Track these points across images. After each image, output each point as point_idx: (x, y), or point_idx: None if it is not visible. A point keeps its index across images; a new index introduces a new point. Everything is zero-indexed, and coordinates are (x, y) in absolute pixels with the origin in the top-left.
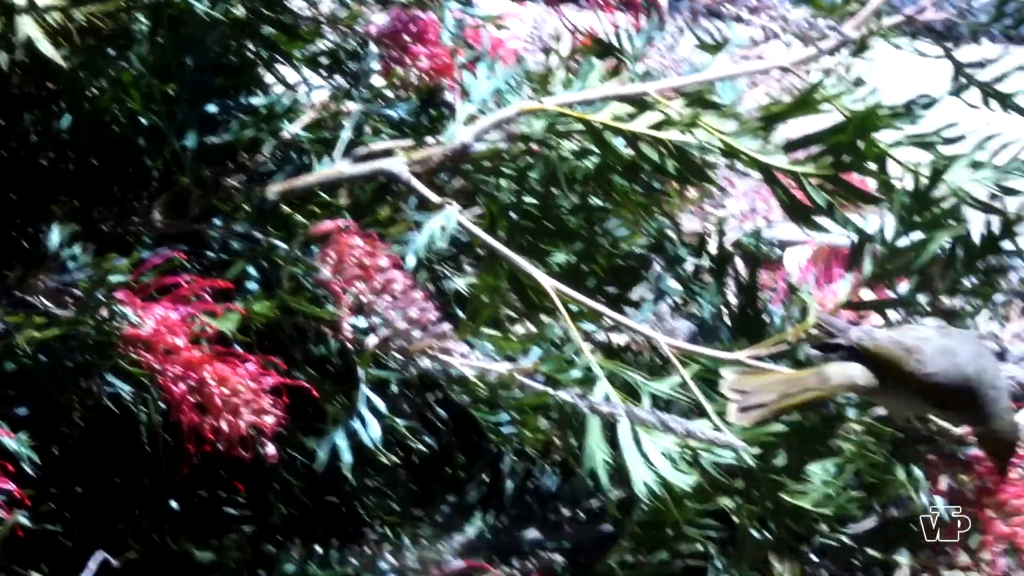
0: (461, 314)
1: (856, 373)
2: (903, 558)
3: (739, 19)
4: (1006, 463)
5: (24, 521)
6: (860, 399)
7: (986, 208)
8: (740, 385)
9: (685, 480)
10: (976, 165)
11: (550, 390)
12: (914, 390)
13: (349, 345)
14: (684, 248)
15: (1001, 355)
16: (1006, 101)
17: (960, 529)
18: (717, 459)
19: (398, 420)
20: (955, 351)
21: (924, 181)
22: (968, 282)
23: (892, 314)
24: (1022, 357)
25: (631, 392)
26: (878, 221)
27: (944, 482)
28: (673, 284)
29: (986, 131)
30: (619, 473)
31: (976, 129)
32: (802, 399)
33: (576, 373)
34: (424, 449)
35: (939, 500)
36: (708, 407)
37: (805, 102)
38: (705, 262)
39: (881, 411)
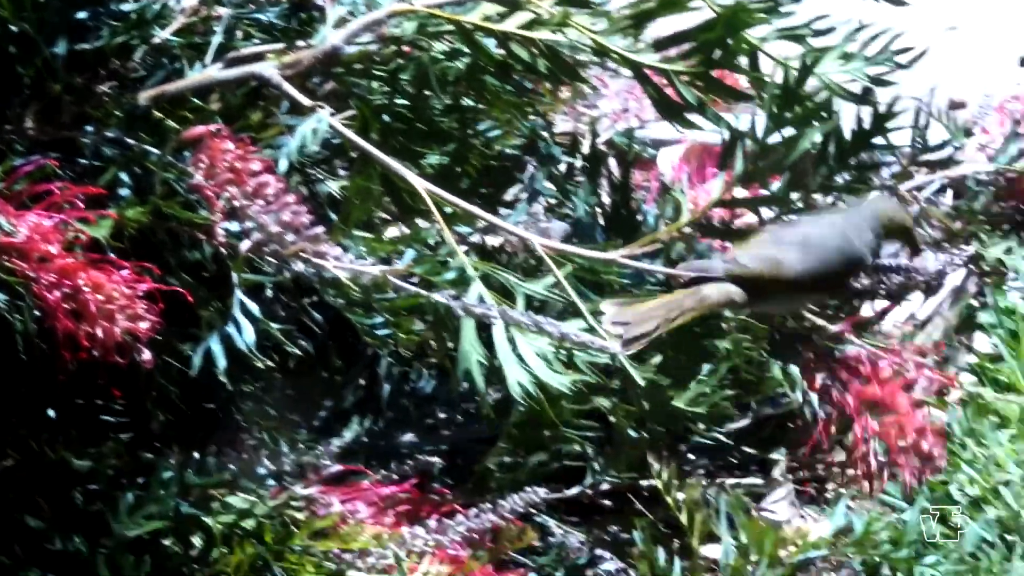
0: (334, 217)
1: (733, 291)
2: (779, 456)
3: None
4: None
5: None
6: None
7: (858, 100)
8: (620, 317)
9: (561, 381)
10: (847, 57)
11: (424, 292)
12: (788, 293)
13: (223, 250)
14: (557, 148)
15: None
16: None
17: (835, 427)
18: (593, 359)
19: (273, 324)
20: (815, 240)
21: (794, 75)
22: (841, 179)
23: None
24: (894, 253)
25: (506, 293)
26: (750, 119)
27: (820, 380)
28: (546, 185)
29: (857, 22)
30: (495, 374)
31: (847, 20)
32: (682, 320)
33: (450, 275)
34: (300, 353)
35: (814, 397)
36: (583, 307)
37: (675, 0)
38: (578, 162)
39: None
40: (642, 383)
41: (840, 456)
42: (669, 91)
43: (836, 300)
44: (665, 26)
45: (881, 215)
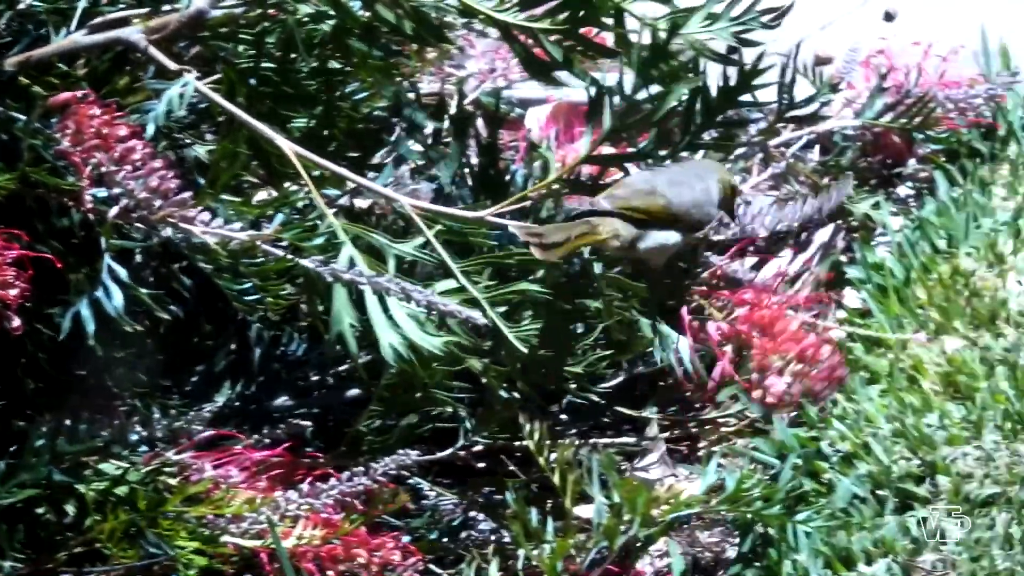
0: (202, 182)
1: (617, 223)
2: (652, 415)
3: None
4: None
5: None
6: (614, 254)
7: (724, 60)
8: (531, 230)
9: (432, 342)
10: (713, 17)
11: (293, 257)
12: (663, 223)
13: (91, 216)
14: (424, 110)
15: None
16: None
17: (731, 357)
18: (465, 320)
19: (142, 290)
20: (682, 179)
21: (661, 35)
22: (708, 136)
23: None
24: (762, 210)
25: (377, 255)
26: (617, 76)
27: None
28: (414, 147)
29: None
30: (367, 337)
31: None
32: (578, 243)
33: (319, 239)
34: (169, 319)
35: (685, 351)
36: (453, 266)
37: None
38: (446, 124)
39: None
40: (521, 347)
41: (713, 413)
42: (536, 50)
43: (699, 241)
44: None
45: (722, 177)
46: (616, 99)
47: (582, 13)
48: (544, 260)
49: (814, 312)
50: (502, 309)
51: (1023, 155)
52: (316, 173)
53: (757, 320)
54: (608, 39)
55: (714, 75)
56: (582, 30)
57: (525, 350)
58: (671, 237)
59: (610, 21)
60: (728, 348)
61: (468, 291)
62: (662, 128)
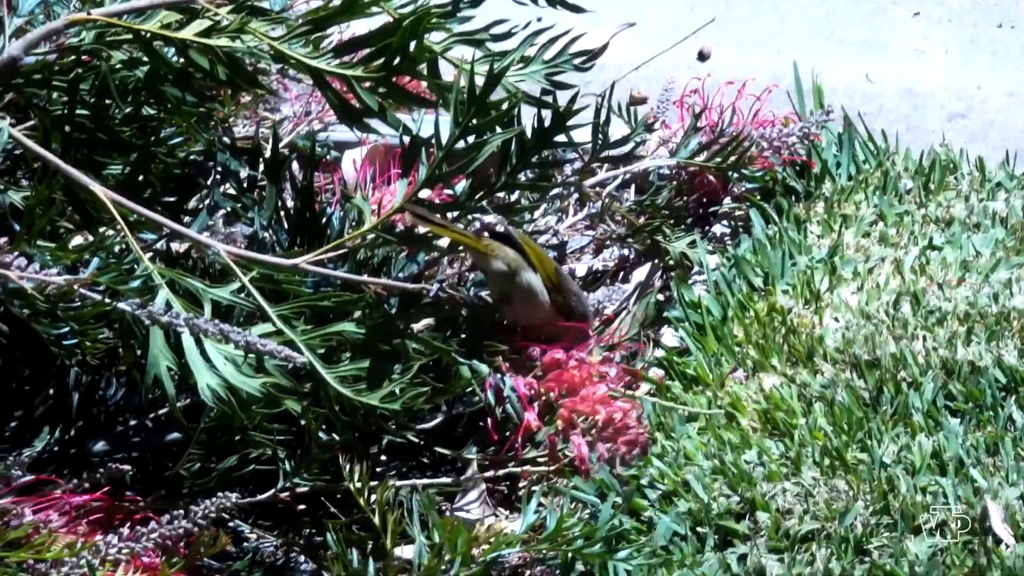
0: (18, 227)
1: (512, 252)
2: (472, 455)
3: None
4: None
5: None
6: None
7: (538, 103)
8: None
9: (251, 384)
10: (526, 60)
11: (110, 301)
12: (541, 277)
13: None
14: (239, 155)
15: (561, 246)
16: None
17: (537, 414)
18: (282, 363)
19: None
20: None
21: (477, 81)
22: (524, 176)
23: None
24: (580, 247)
25: (193, 299)
26: (433, 124)
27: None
28: (229, 191)
29: (536, 26)
30: (185, 381)
31: (526, 23)
32: (461, 238)
33: (136, 283)
34: None
35: (511, 391)
36: (269, 310)
37: (352, 5)
38: (260, 168)
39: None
40: (339, 387)
41: (532, 453)
42: (349, 96)
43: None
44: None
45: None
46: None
47: (397, 61)
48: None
49: (623, 372)
50: (320, 351)
51: (838, 193)
52: (132, 218)
53: (566, 380)
54: (423, 85)
55: (529, 115)
56: (396, 78)
57: (343, 390)
58: (544, 295)
59: (423, 69)
60: (535, 405)
61: (285, 334)
62: (478, 175)
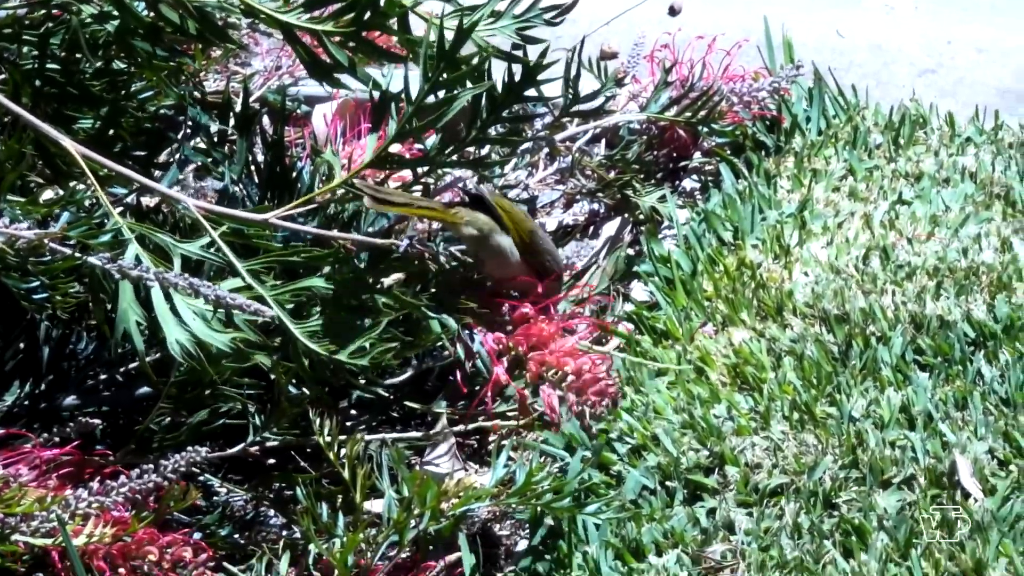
0: None
1: (483, 216)
2: (441, 409)
3: None
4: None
5: None
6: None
7: (508, 57)
8: (375, 186)
9: (220, 339)
10: (496, 15)
11: (80, 255)
12: (519, 246)
13: None
14: (209, 109)
15: (531, 201)
16: None
17: (505, 368)
18: (252, 318)
19: None
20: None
21: (447, 36)
22: (494, 131)
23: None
24: (551, 202)
25: (163, 254)
26: (402, 78)
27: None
28: (199, 146)
29: None
30: (155, 335)
31: None
32: (427, 213)
33: (106, 237)
34: None
35: (480, 345)
36: (239, 266)
37: None
38: (231, 122)
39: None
40: (308, 342)
41: (503, 407)
42: (319, 51)
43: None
44: None
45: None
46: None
47: (367, 16)
48: (372, 209)
49: (593, 326)
50: (290, 306)
51: (807, 147)
52: (102, 173)
53: (535, 334)
54: (394, 40)
55: (500, 70)
56: (366, 33)
57: (312, 345)
58: (515, 256)
59: (394, 25)
60: (504, 359)
61: (255, 289)
62: (448, 129)
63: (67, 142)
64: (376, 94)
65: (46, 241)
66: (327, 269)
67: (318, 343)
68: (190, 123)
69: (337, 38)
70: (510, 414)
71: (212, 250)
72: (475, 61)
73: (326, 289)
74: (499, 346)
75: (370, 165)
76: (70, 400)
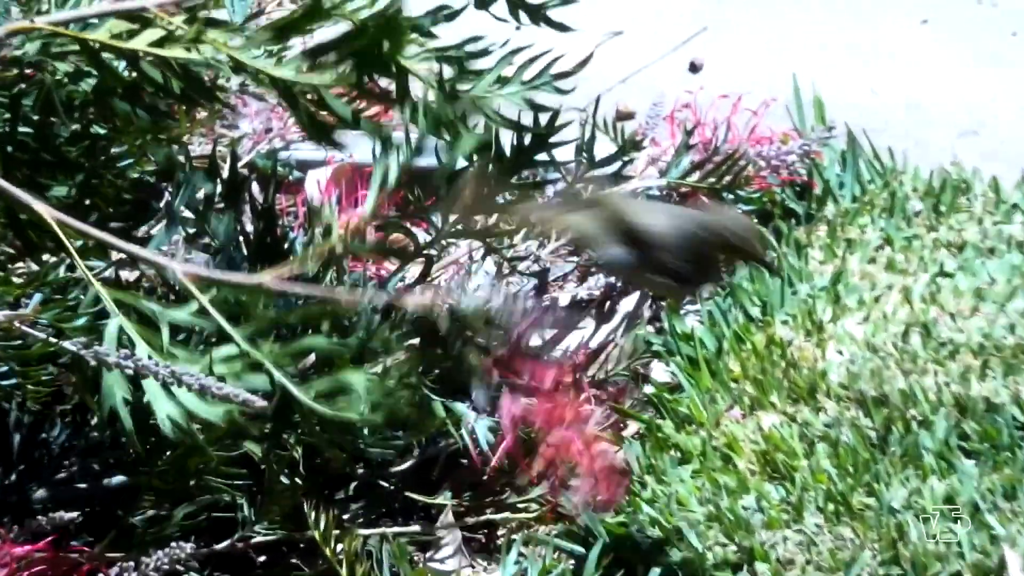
0: None
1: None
2: (446, 500)
3: None
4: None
5: None
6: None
7: (516, 127)
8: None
9: (214, 412)
10: (502, 81)
11: (55, 340)
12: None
13: None
14: (195, 174)
15: (543, 273)
16: (536, 13)
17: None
18: (248, 385)
19: None
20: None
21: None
22: (503, 198)
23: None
24: (564, 274)
25: (150, 323)
26: (402, 138)
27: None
28: (185, 214)
29: (513, 44)
30: (145, 418)
31: (504, 41)
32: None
33: (81, 321)
34: None
35: (482, 428)
36: (234, 332)
37: (315, 11)
38: (218, 188)
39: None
40: (316, 406)
41: (512, 498)
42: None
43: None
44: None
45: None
46: (403, 157)
47: (371, 60)
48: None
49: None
50: (290, 370)
51: (841, 215)
52: (78, 244)
53: (552, 414)
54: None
55: (509, 133)
56: (369, 83)
57: (318, 407)
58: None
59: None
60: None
61: (251, 355)
62: (452, 190)
63: (40, 206)
64: (379, 148)
65: (17, 324)
66: (325, 327)
67: (323, 403)
68: (176, 187)
69: (338, 89)
70: (520, 506)
71: (202, 316)
72: (479, 128)
73: (329, 347)
74: (512, 416)
75: (370, 222)
76: (43, 492)
